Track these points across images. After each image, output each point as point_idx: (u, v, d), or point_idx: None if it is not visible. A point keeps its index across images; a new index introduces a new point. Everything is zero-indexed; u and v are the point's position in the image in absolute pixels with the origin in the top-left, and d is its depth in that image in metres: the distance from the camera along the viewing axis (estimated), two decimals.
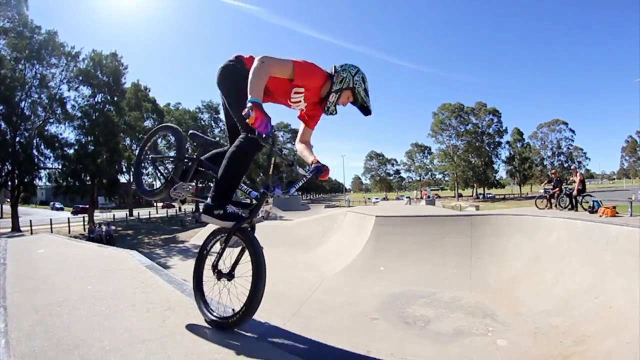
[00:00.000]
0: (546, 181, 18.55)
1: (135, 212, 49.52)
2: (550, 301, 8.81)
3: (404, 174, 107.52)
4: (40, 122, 35.08)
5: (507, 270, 11.39)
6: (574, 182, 14.97)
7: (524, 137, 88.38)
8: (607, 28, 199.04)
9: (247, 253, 2.77)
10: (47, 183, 38.41)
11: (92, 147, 37.09)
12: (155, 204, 59.62)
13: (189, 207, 60.57)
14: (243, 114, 2.33)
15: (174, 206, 52.99)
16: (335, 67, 2.91)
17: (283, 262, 16.82)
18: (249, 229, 2.84)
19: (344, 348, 7.82)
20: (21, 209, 38.80)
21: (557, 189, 15.64)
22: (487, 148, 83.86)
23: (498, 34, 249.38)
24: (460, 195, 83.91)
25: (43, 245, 7.23)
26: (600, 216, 11.43)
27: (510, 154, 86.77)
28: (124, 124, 42.27)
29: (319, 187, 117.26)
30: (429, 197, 50.08)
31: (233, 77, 2.77)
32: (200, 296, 2.98)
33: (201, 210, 2.68)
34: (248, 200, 3.08)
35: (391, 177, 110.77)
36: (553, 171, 19.39)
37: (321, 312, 10.54)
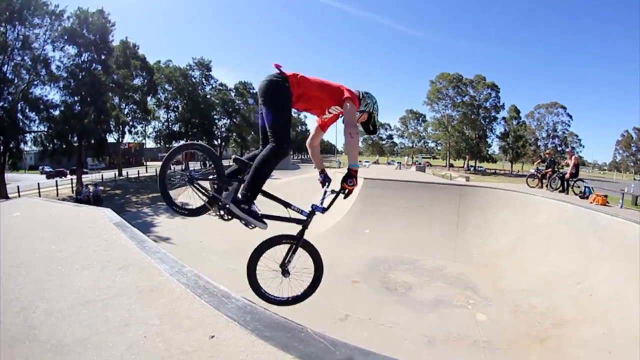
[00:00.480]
0: (539, 160, 18.01)
1: (125, 172, 48.39)
2: (533, 281, 8.74)
3: (396, 140, 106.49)
4: (25, 85, 33.50)
5: (492, 244, 11.33)
6: (568, 165, 14.66)
7: (520, 115, 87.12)
8: (616, 23, 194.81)
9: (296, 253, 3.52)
10: (33, 147, 37.02)
11: (79, 107, 36.11)
12: (145, 164, 58.90)
13: (177, 167, 59.73)
14: (348, 182, 3.01)
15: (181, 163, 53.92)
16: (360, 92, 3.58)
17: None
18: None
19: (323, 307, 7.82)
20: (10, 175, 37.86)
21: (550, 169, 15.34)
22: (483, 122, 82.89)
23: (504, 10, 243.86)
24: (451, 166, 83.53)
25: (20, 209, 7.03)
26: (591, 203, 11.27)
27: (505, 130, 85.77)
28: (111, 83, 41.17)
29: None
30: (419, 164, 50.00)
31: (278, 95, 3.19)
32: (256, 285, 3.51)
33: (231, 202, 3.20)
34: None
35: (384, 142, 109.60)
36: (547, 151, 18.92)
37: (302, 272, 10.46)
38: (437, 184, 14.31)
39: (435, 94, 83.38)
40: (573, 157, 14.25)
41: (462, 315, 7.85)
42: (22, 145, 34.94)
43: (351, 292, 9.23)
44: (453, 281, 9.68)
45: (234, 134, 72.44)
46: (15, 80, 32.96)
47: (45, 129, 34.93)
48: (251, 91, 74.95)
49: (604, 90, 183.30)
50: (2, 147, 32.13)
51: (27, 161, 50.04)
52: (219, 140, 69.76)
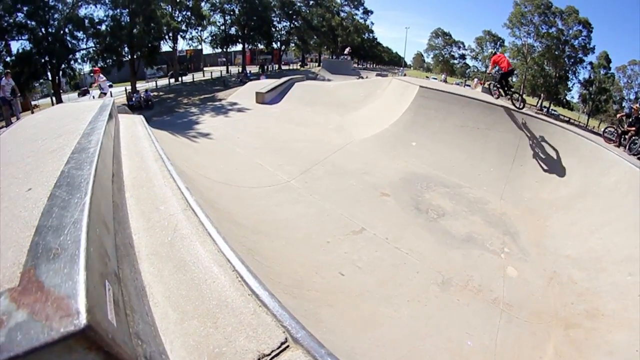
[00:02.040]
0: (624, 114, 15.15)
1: (181, 78, 49.79)
2: (581, 249, 7.31)
3: (469, 61, 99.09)
4: (69, 9, 33.92)
5: (548, 192, 9.85)
6: None
7: (610, 66, 78.41)
8: None
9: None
10: (82, 62, 37.82)
11: (127, 19, 36.41)
12: (203, 69, 58.47)
13: (234, 69, 59.69)
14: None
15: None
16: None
17: (313, 121, 16.16)
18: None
19: (340, 215, 7.02)
20: (70, 95, 40.75)
21: (634, 127, 12.72)
22: (567, 61, 75.31)
23: None
24: (523, 101, 76.99)
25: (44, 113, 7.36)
26: None
27: (590, 77, 78.29)
28: None
29: (377, 56, 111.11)
30: (488, 87, 46.89)
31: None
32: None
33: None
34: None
35: (455, 61, 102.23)
36: (636, 106, 15.64)
37: (331, 174, 9.73)
38: (500, 106, 12.53)
39: (519, 18, 75.00)
40: None
41: (491, 263, 6.74)
42: (74, 65, 36.58)
43: (376, 205, 8.31)
44: (494, 220, 8.47)
45: (295, 37, 70.07)
46: (59, 6, 33.52)
47: (93, 45, 36.09)
48: None
49: None
50: (55, 70, 34.03)
51: (87, 79, 51.23)
52: (279, 43, 68.46)
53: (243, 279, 2.45)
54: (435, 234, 7.39)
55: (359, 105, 18.01)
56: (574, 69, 77.04)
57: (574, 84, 78.89)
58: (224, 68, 61.30)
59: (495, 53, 12.75)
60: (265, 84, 23.49)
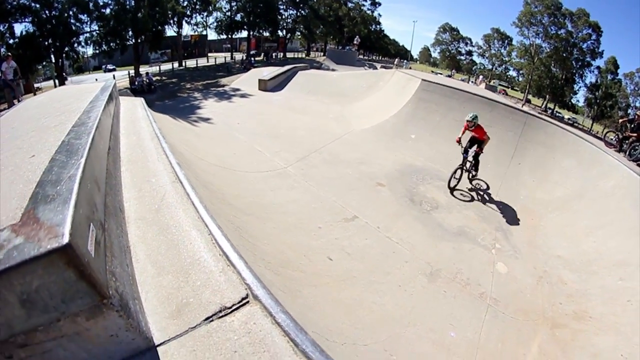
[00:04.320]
0: (627, 119, 14.78)
1: (189, 63, 49.55)
2: (573, 252, 7.31)
3: (476, 58, 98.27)
4: None
5: (544, 192, 9.86)
6: None
7: (618, 72, 77.62)
8: None
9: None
10: (85, 45, 37.93)
11: (133, 3, 36.01)
12: (207, 55, 58.39)
13: (237, 56, 59.65)
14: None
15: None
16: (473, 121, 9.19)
17: (314, 110, 16.21)
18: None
19: (334, 202, 7.06)
20: (75, 78, 40.84)
21: (636, 134, 12.26)
22: (574, 64, 74.78)
23: None
24: (528, 101, 76.81)
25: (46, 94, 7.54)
26: None
27: (596, 81, 77.62)
28: None
29: (383, 48, 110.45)
30: (493, 86, 46.79)
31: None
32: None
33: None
34: None
35: (462, 57, 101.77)
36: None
37: (328, 163, 9.78)
38: (501, 103, 12.51)
39: (528, 17, 73.79)
40: None
41: (481, 258, 6.76)
42: (77, 47, 36.52)
43: (370, 194, 8.35)
44: (487, 215, 8.49)
45: (301, 26, 69.56)
46: None
47: (97, 28, 35.79)
48: None
49: None
50: (58, 52, 33.91)
51: (90, 63, 52.49)
52: (285, 31, 68.07)
53: (217, 241, 2.73)
54: (428, 226, 7.43)
55: (361, 96, 18.04)
56: (581, 72, 76.27)
57: (580, 87, 78.20)
58: (228, 54, 61.23)
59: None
60: (268, 72, 23.47)
